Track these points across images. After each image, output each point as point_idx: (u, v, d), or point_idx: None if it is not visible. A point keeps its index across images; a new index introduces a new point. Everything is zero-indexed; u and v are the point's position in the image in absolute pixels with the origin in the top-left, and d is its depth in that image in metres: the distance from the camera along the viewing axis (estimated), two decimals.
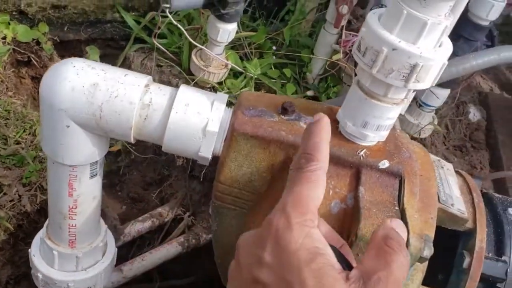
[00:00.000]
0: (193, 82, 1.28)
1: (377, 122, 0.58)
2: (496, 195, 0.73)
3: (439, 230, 0.65)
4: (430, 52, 0.51)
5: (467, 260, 0.62)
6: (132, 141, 0.62)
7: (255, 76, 1.33)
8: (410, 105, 1.37)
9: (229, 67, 1.32)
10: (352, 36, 1.25)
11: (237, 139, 0.59)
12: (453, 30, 1.19)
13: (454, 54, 1.18)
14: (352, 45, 1.30)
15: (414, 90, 0.56)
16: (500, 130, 1.57)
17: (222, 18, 1.18)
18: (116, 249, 0.85)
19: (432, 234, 0.59)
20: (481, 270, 0.62)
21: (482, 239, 0.63)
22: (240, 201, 0.65)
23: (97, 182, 0.70)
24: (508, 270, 0.64)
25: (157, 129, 0.60)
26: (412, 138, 1.38)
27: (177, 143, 0.61)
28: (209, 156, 0.61)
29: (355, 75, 1.30)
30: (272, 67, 1.42)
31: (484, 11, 1.10)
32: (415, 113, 1.34)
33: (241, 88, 1.34)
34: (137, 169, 1.40)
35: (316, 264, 0.37)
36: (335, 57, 1.34)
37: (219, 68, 1.31)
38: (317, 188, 0.41)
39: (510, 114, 1.67)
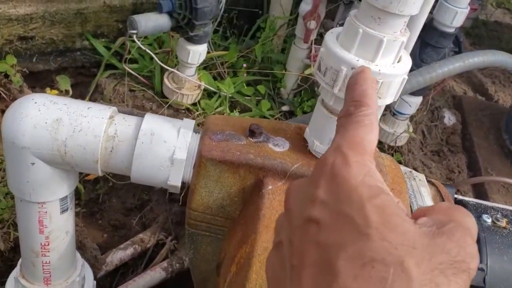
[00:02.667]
0: (167, 105, 1.27)
1: None
2: (471, 201, 0.73)
3: None
4: (389, 69, 0.51)
5: None
6: (100, 174, 0.62)
7: (229, 95, 1.33)
8: (384, 115, 1.38)
9: (202, 87, 1.32)
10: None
11: (206, 165, 0.59)
12: (420, 38, 1.21)
13: (423, 62, 1.20)
14: None
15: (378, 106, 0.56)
16: (475, 133, 1.59)
17: (191, 40, 1.19)
18: (95, 282, 0.83)
19: None
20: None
21: None
22: (214, 227, 0.65)
23: (69, 216, 0.69)
24: (486, 277, 0.64)
25: (124, 161, 0.60)
26: (389, 147, 1.40)
27: (145, 173, 0.60)
28: (179, 184, 0.61)
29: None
30: (245, 85, 1.42)
31: (449, 19, 1.12)
32: (390, 122, 1.35)
33: (216, 108, 1.34)
34: (117, 196, 1.38)
35: (381, 201, 0.32)
36: (307, 72, 1.35)
37: (192, 90, 1.31)
38: (372, 131, 0.37)
39: (484, 116, 1.70)
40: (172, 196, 1.31)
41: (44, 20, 1.24)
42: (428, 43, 1.17)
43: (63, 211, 0.67)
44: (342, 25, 1.12)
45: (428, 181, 0.72)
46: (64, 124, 0.58)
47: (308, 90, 1.41)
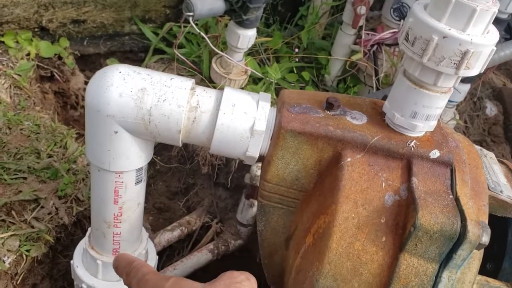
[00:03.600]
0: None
1: (426, 112, 0.58)
2: None
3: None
4: (480, 39, 0.51)
5: None
6: (180, 144, 0.63)
7: (275, 81, 1.34)
8: None
9: (249, 73, 1.33)
10: (371, 35, 1.25)
11: (285, 136, 0.60)
12: None
13: None
14: (372, 45, 1.31)
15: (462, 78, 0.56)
16: None
17: (242, 24, 1.19)
18: (157, 256, 0.85)
19: (486, 221, 0.58)
20: None
21: None
22: (287, 199, 0.65)
23: (142, 188, 0.71)
24: None
25: (206, 131, 0.61)
26: None
27: (225, 144, 0.61)
28: (257, 156, 0.62)
29: (376, 73, 1.30)
30: (294, 70, 1.42)
31: (503, 4, 1.10)
32: None
33: None
34: (162, 179, 1.40)
35: None
36: (355, 57, 1.35)
37: (240, 75, 1.32)
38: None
39: None
40: (218, 180, 1.32)
41: (96, 3, 1.26)
42: None
43: (138, 182, 0.68)
44: (396, 9, 1.11)
45: (498, 160, 0.72)
46: (149, 93, 0.59)
47: (354, 76, 1.41)
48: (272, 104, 0.64)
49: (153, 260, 0.83)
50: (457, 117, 1.37)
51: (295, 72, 1.43)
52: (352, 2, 1.28)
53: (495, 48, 0.53)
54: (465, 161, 0.61)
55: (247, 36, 1.22)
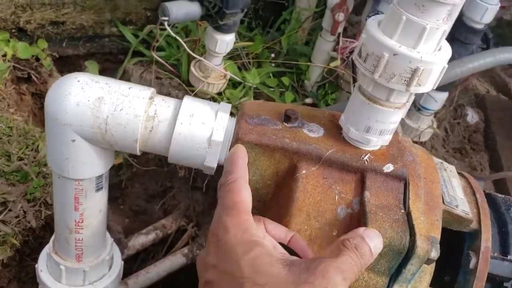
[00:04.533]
0: (193, 94, 1.29)
1: (380, 127, 0.58)
2: (499, 195, 0.73)
3: (443, 231, 0.66)
4: (431, 56, 0.52)
5: (473, 261, 0.62)
6: (138, 153, 0.63)
7: (254, 86, 1.34)
8: (409, 110, 1.38)
9: (228, 77, 1.33)
10: (349, 42, 1.26)
11: None
12: (449, 34, 1.20)
13: (451, 58, 1.19)
14: (350, 52, 1.31)
15: (415, 94, 0.56)
16: (498, 132, 1.59)
17: (220, 29, 1.19)
18: (122, 262, 0.85)
19: (438, 236, 0.59)
20: (488, 270, 0.62)
21: (487, 239, 0.63)
22: None
23: (103, 195, 0.71)
24: None
25: (163, 141, 0.61)
26: (413, 142, 1.40)
27: (182, 154, 0.61)
28: (215, 166, 0.62)
29: (354, 80, 1.31)
30: (271, 75, 1.43)
31: (479, 15, 1.11)
32: (414, 117, 1.35)
33: (240, 98, 1.35)
34: (139, 182, 1.40)
35: (254, 253, 0.41)
36: (332, 64, 1.35)
37: (218, 79, 1.32)
38: (240, 193, 0.47)
39: (507, 115, 1.69)
40: (195, 184, 1.32)
41: (76, 5, 1.26)
42: (457, 39, 1.17)
43: (98, 189, 0.69)
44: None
45: (459, 173, 0.72)
46: (106, 102, 0.59)
47: (333, 82, 1.41)
48: None
49: (117, 266, 0.83)
50: (435, 125, 1.38)
51: (272, 77, 1.43)
52: (331, 8, 1.28)
53: (446, 66, 0.54)
54: (420, 175, 0.62)
55: (225, 41, 1.23)
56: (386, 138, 0.60)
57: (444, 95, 1.28)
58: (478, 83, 1.99)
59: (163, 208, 1.37)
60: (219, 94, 1.34)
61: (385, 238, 0.54)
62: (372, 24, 0.54)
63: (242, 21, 1.56)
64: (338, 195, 0.59)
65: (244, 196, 0.47)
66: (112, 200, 1.41)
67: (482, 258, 0.62)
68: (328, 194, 0.59)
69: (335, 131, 0.63)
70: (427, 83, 0.54)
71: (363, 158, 0.60)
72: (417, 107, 1.33)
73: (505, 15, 2.67)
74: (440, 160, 0.72)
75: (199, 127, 0.60)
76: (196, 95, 1.33)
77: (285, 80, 1.44)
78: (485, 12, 1.10)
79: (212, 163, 0.62)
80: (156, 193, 1.40)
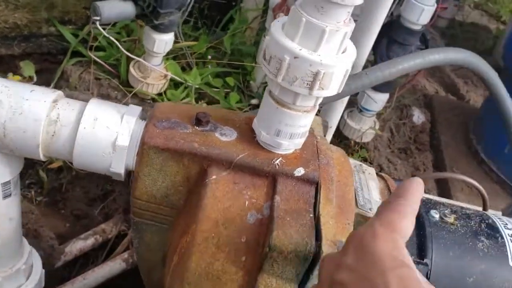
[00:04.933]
0: (131, 94, 1.26)
1: (290, 130, 0.57)
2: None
3: None
4: (332, 59, 0.51)
5: None
6: (42, 158, 0.60)
7: (197, 86, 1.32)
8: (351, 111, 1.38)
9: (169, 77, 1.31)
10: None
11: (148, 152, 0.58)
12: (388, 36, 1.21)
13: (389, 59, 1.20)
14: None
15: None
16: (443, 132, 1.61)
17: (157, 28, 1.17)
18: (44, 270, 0.82)
19: None
20: None
21: None
22: (159, 217, 0.64)
23: (12, 202, 0.67)
24: (430, 272, 0.64)
25: (66, 145, 0.58)
26: (355, 143, 1.40)
27: (87, 158, 0.59)
28: (121, 172, 0.60)
29: None
30: (214, 77, 1.41)
31: (415, 16, 1.12)
32: (356, 119, 1.35)
33: (182, 99, 1.33)
34: (80, 185, 1.36)
35: (402, 271, 0.37)
36: None
37: (158, 79, 1.29)
38: (405, 218, 0.41)
39: (454, 116, 1.71)
40: None
41: (8, 3, 1.21)
42: (395, 40, 1.17)
43: (6, 196, 0.65)
44: None
45: (378, 175, 0.72)
46: (4, 106, 0.56)
47: None
48: None
49: (37, 275, 0.80)
50: (377, 126, 1.39)
51: (218, 78, 1.41)
52: (272, 9, 1.27)
53: (349, 68, 0.53)
54: (332, 179, 0.61)
55: (163, 41, 1.20)
56: (297, 142, 0.59)
57: (384, 96, 1.29)
58: (428, 83, 2.01)
59: (104, 212, 1.33)
60: (160, 94, 1.32)
61: (291, 244, 0.53)
62: (276, 26, 0.53)
63: (187, 21, 1.53)
64: (248, 201, 0.58)
65: (406, 223, 0.41)
66: (53, 203, 1.37)
67: None
68: (238, 199, 0.58)
69: (249, 134, 0.61)
70: (331, 87, 0.53)
71: (274, 162, 0.59)
72: (359, 108, 1.34)
73: (457, 15, 2.72)
74: (359, 163, 0.72)
75: (103, 131, 0.58)
76: (136, 96, 1.30)
77: (230, 80, 1.42)
78: (421, 13, 1.11)
79: (118, 168, 0.59)
80: (97, 196, 1.36)
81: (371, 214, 0.63)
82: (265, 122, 0.58)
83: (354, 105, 1.37)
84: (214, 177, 0.58)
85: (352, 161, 0.71)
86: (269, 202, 0.58)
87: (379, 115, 1.56)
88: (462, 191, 1.34)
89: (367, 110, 1.32)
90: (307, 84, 0.52)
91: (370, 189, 0.67)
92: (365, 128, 1.34)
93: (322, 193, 0.59)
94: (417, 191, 0.44)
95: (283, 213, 0.56)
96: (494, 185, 1.39)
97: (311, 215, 0.57)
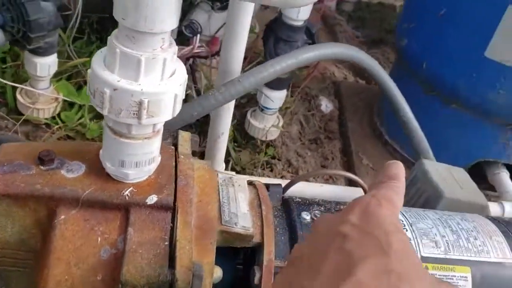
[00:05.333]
0: (19, 122, 1.21)
1: (134, 159, 0.56)
2: (296, 199, 0.74)
3: (240, 250, 0.66)
4: (155, 87, 0.50)
5: (257, 276, 0.62)
6: None
7: (89, 105, 1.28)
8: (254, 110, 1.39)
9: (60, 99, 1.26)
10: (179, 49, 1.23)
11: None
12: (274, 34, 1.22)
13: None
14: (187, 58, 1.29)
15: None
16: (350, 118, 1.64)
17: (36, 52, 1.12)
18: None
19: (211, 259, 0.58)
20: (272, 282, 0.62)
21: (270, 251, 0.63)
22: (20, 262, 0.61)
23: None
24: None
25: None
26: (262, 142, 1.41)
27: None
28: None
29: (195, 85, 1.28)
30: None
31: (294, 12, 1.13)
32: (259, 118, 1.36)
33: (78, 119, 1.29)
34: None
35: (402, 236, 0.39)
36: None
37: (49, 103, 1.25)
38: (398, 195, 0.45)
39: (360, 100, 1.75)
40: None
41: None
42: (281, 38, 1.18)
43: None
44: (187, 27, 1.10)
45: (251, 184, 0.72)
46: None
47: None
48: None
49: None
50: (281, 122, 1.40)
51: None
52: None
53: (178, 93, 0.52)
54: (191, 200, 0.60)
55: (46, 64, 1.16)
56: (147, 169, 0.58)
57: (280, 93, 1.30)
58: (337, 70, 2.05)
59: None
60: (54, 117, 1.27)
61: (142, 277, 0.53)
62: (96, 58, 0.51)
63: (80, 38, 1.49)
64: (101, 236, 0.56)
65: (401, 201, 0.45)
66: None
67: (266, 271, 0.62)
68: (90, 237, 0.56)
69: (98, 167, 0.60)
70: (162, 113, 0.52)
71: (124, 193, 0.57)
72: (260, 107, 1.34)
73: None
74: (230, 175, 0.72)
75: None
76: (28, 123, 1.25)
77: None
78: (299, 9, 1.12)
79: None
80: None
81: (237, 228, 0.63)
82: (108, 153, 0.57)
83: (255, 104, 1.37)
84: (62, 217, 0.56)
85: (222, 175, 0.71)
86: (123, 235, 0.56)
87: (286, 109, 1.58)
88: (367, 175, 1.38)
89: (267, 108, 1.33)
90: (134, 114, 0.50)
91: (239, 201, 0.67)
92: (268, 126, 1.35)
93: (179, 217, 0.58)
94: (403, 173, 0.48)
95: (136, 246, 0.55)
96: None
97: (166, 243, 0.56)
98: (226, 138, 1.05)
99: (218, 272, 0.61)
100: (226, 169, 1.31)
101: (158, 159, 0.60)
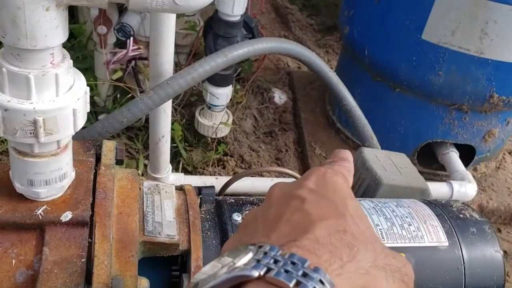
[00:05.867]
0: None
1: (42, 178, 0.55)
2: (229, 200, 0.73)
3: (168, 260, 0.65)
4: (49, 104, 0.48)
5: (185, 283, 0.62)
6: None
7: None
8: (202, 108, 1.38)
9: None
10: (118, 53, 1.21)
11: None
12: (212, 30, 1.20)
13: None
14: (129, 60, 1.27)
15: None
16: (303, 108, 1.64)
17: None
18: None
19: (134, 272, 0.57)
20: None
21: (197, 258, 0.63)
22: None
23: None
24: None
25: None
26: (212, 139, 1.40)
27: None
28: None
29: (138, 87, 1.26)
30: None
31: (229, 8, 1.12)
32: (207, 115, 1.35)
33: None
34: None
35: (357, 203, 0.41)
36: (115, 76, 1.30)
37: None
38: (349, 172, 0.46)
39: (312, 89, 1.75)
40: None
41: None
42: (219, 35, 1.17)
43: None
44: (119, 30, 1.08)
45: (180, 190, 0.71)
46: None
47: (125, 90, 1.35)
48: None
49: None
50: (230, 119, 1.39)
51: None
52: (93, 21, 1.22)
53: (78, 107, 0.51)
54: (109, 213, 0.59)
55: None
56: (59, 186, 0.57)
57: (225, 90, 1.29)
58: (290, 60, 2.04)
59: None
60: None
61: None
62: None
63: None
64: (16, 259, 0.55)
65: (351, 178, 0.46)
66: None
67: None
68: (4, 260, 0.54)
69: (10, 186, 0.58)
70: (61, 129, 0.50)
71: (37, 212, 0.56)
72: (207, 105, 1.33)
73: None
74: (156, 183, 0.71)
75: None
76: None
77: None
78: (233, 4, 1.11)
79: None
80: None
81: (161, 237, 0.62)
82: (16, 173, 0.55)
83: (203, 102, 1.36)
84: None
85: (147, 183, 0.70)
86: (39, 255, 0.55)
87: (238, 103, 1.57)
88: (320, 164, 1.38)
89: (214, 105, 1.32)
90: (31, 133, 0.49)
91: (164, 210, 0.66)
92: (217, 123, 1.34)
93: (97, 232, 0.57)
94: (351, 158, 0.50)
95: (51, 265, 0.54)
96: (353, 151, 1.44)
97: (83, 260, 0.55)
98: (168, 140, 1.04)
99: (144, 284, 0.60)
100: (177, 170, 1.30)
101: (72, 174, 0.59)
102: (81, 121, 0.52)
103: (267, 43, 0.95)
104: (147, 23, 1.11)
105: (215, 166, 1.34)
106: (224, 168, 1.34)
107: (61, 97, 0.50)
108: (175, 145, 1.31)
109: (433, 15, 1.15)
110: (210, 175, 1.29)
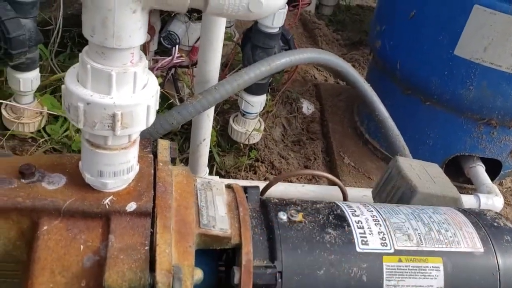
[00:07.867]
0: (5, 137, 1.22)
1: (112, 169, 0.59)
2: (274, 200, 0.76)
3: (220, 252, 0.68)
4: (127, 99, 0.52)
5: (236, 276, 0.64)
6: None
7: None
8: (236, 115, 1.42)
9: (45, 113, 1.28)
10: (159, 60, 1.26)
11: None
12: (251, 41, 1.25)
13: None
14: (170, 68, 1.32)
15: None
16: (330, 118, 1.68)
17: (19, 68, 1.15)
18: None
19: (191, 262, 0.61)
20: (252, 282, 0.65)
21: (248, 252, 0.66)
22: (7, 273, 0.63)
23: None
24: (282, 274, 0.67)
25: None
26: (245, 145, 1.44)
27: None
28: None
29: (178, 93, 1.31)
30: None
31: (269, 20, 1.16)
32: (241, 122, 1.39)
33: (63, 132, 1.31)
34: None
35: None
36: None
37: (34, 117, 1.27)
38: None
39: (340, 101, 1.79)
40: None
41: None
42: (257, 45, 1.21)
43: None
44: (165, 38, 1.13)
45: (230, 187, 0.75)
46: None
47: (165, 96, 1.40)
48: None
49: None
50: (262, 126, 1.43)
51: None
52: None
53: (151, 104, 0.55)
54: (170, 206, 0.63)
55: (29, 79, 1.18)
56: (125, 178, 0.61)
57: (260, 98, 1.33)
58: (317, 73, 2.09)
59: None
60: (39, 131, 1.29)
61: (124, 282, 0.55)
62: (69, 74, 0.54)
63: (63, 51, 1.51)
64: (84, 244, 0.59)
65: None
66: None
67: (244, 271, 0.65)
68: (73, 245, 0.58)
69: (79, 178, 0.62)
70: (135, 124, 0.54)
71: (104, 202, 0.60)
72: (241, 112, 1.37)
73: (341, 0, 2.83)
74: (209, 180, 0.74)
75: None
76: (14, 137, 1.27)
77: None
78: (274, 17, 1.15)
79: None
80: None
81: (215, 231, 0.65)
82: (87, 164, 0.59)
83: (237, 109, 1.40)
84: (45, 228, 0.58)
85: (200, 180, 0.73)
86: (105, 242, 0.59)
87: (268, 112, 1.61)
88: (349, 173, 1.41)
89: (248, 113, 1.36)
90: (108, 126, 0.53)
91: (217, 205, 0.70)
92: (250, 130, 1.38)
93: (159, 223, 0.61)
94: None
95: (117, 252, 0.57)
96: (381, 162, 1.47)
97: (146, 248, 0.58)
98: (208, 143, 1.08)
99: (199, 274, 0.63)
100: (211, 173, 1.34)
101: (137, 167, 0.63)
102: (152, 118, 0.56)
103: (307, 53, 0.99)
104: (191, 32, 1.16)
105: (247, 171, 1.38)
106: (255, 173, 1.38)
107: (137, 93, 0.54)
108: (209, 149, 1.35)
109: (466, 32, 1.18)
110: (243, 179, 1.33)
